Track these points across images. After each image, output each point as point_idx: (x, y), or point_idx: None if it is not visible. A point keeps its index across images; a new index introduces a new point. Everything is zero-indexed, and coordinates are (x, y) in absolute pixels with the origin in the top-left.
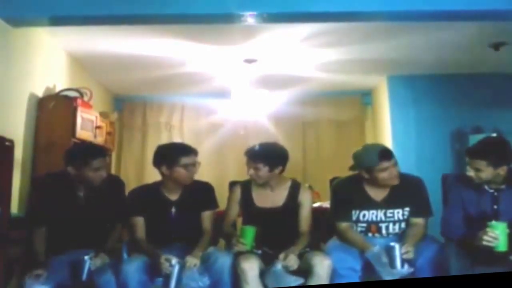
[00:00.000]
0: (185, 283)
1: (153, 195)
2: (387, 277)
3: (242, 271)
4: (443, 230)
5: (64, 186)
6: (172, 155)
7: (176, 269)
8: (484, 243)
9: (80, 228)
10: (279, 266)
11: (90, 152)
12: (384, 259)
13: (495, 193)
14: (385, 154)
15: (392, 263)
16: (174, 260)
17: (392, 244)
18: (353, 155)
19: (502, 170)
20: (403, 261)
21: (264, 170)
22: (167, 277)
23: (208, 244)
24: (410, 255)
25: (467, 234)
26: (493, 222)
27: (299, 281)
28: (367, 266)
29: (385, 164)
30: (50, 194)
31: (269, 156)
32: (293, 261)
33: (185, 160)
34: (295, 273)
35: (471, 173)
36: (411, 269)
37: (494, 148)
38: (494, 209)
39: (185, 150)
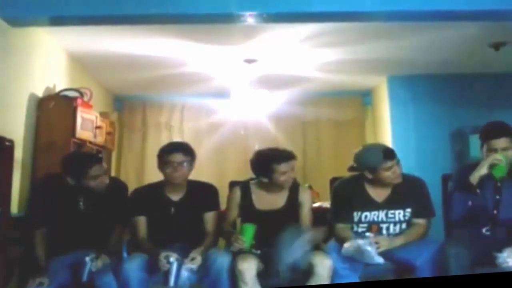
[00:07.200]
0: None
1: (155, 195)
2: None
3: (240, 272)
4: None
5: (64, 190)
6: (161, 155)
7: (174, 266)
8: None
9: (81, 229)
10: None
11: (86, 161)
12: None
13: (498, 183)
14: (389, 153)
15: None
16: (172, 257)
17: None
18: (355, 156)
19: None
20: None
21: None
22: (167, 274)
23: (211, 245)
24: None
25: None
26: None
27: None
28: (367, 266)
29: (390, 163)
30: (51, 196)
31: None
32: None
33: (171, 158)
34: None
35: (490, 158)
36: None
37: (505, 125)
38: (496, 199)
39: (170, 149)
